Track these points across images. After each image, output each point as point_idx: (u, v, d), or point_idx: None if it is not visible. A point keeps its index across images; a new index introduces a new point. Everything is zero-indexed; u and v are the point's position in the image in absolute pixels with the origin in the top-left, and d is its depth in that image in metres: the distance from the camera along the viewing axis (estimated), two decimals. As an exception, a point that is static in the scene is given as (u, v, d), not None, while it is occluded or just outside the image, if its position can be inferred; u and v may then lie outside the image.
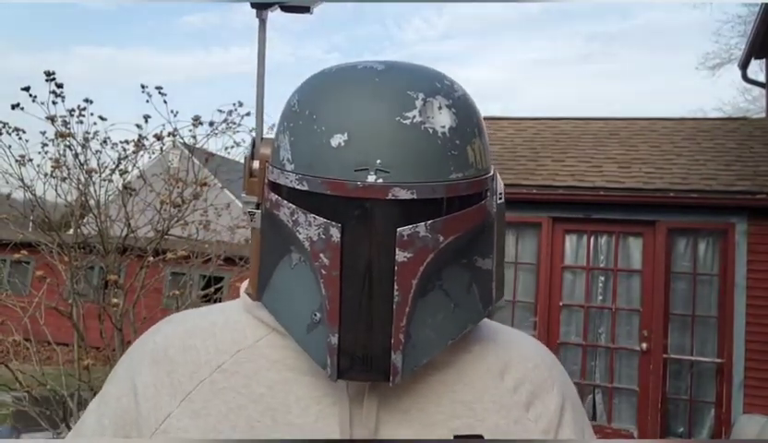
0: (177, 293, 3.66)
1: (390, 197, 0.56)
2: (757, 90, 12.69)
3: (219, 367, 0.67)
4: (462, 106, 0.62)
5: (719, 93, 38.20)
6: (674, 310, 5.52)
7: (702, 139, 6.45)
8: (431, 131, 0.58)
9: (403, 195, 0.56)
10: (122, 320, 3.53)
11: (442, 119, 0.59)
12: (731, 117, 8.83)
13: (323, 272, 0.58)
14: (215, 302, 4.52)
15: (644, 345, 5.47)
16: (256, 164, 0.68)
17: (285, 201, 0.61)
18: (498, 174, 0.67)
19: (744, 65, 8.05)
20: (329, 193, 0.57)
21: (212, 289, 4.34)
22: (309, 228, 0.58)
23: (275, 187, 0.63)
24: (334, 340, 0.58)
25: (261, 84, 0.72)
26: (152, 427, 0.66)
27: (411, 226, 0.57)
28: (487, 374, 0.69)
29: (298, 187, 0.59)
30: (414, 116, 0.57)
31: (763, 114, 9.17)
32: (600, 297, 5.79)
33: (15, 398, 3.32)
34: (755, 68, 8.57)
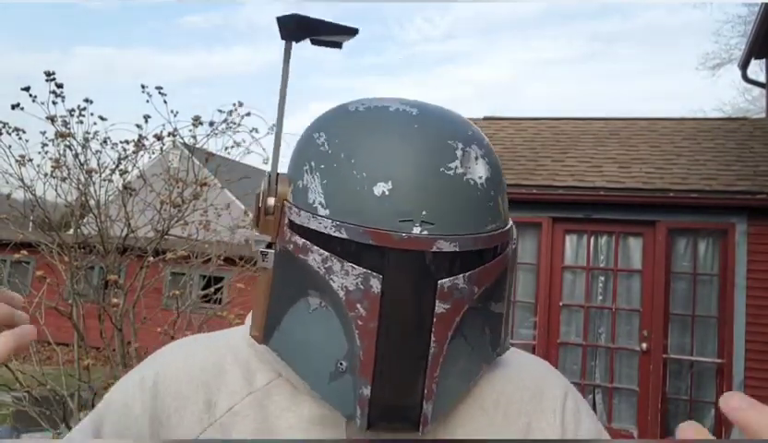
0: (177, 293, 3.66)
1: (434, 249, 0.55)
2: (757, 90, 12.69)
3: (230, 410, 0.66)
4: (492, 156, 0.62)
5: (719, 93, 38.24)
6: (674, 310, 5.52)
7: (702, 139, 6.45)
8: (472, 182, 0.58)
9: (447, 247, 0.55)
10: (122, 320, 3.53)
11: (479, 170, 0.59)
12: (731, 117, 8.83)
13: (359, 323, 0.56)
14: (215, 302, 4.52)
15: (644, 345, 5.47)
16: (271, 201, 0.63)
17: (316, 247, 0.58)
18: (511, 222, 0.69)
19: (744, 65, 8.05)
20: (372, 243, 0.55)
21: (212, 289, 4.34)
22: (346, 277, 0.56)
23: (303, 231, 0.59)
24: (367, 391, 0.56)
25: (281, 118, 0.69)
26: None
27: (451, 278, 0.56)
28: (482, 412, 0.69)
29: (335, 234, 0.56)
30: (456, 167, 0.57)
31: (763, 114, 9.17)
32: (600, 297, 5.79)
33: (15, 398, 3.31)
34: (755, 68, 8.57)
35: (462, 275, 0.57)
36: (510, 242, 0.64)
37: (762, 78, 8.47)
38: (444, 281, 0.56)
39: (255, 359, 0.69)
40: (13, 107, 3.53)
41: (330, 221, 0.57)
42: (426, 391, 0.57)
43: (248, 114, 4.11)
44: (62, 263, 3.64)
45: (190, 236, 4.24)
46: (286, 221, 0.61)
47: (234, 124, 4.11)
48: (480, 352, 0.63)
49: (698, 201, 5.39)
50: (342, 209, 0.56)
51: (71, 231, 4.09)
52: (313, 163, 0.59)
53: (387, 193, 0.55)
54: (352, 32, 0.69)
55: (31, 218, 4.03)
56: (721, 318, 5.37)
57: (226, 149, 4.26)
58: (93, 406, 3.45)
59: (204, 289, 4.47)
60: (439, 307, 0.56)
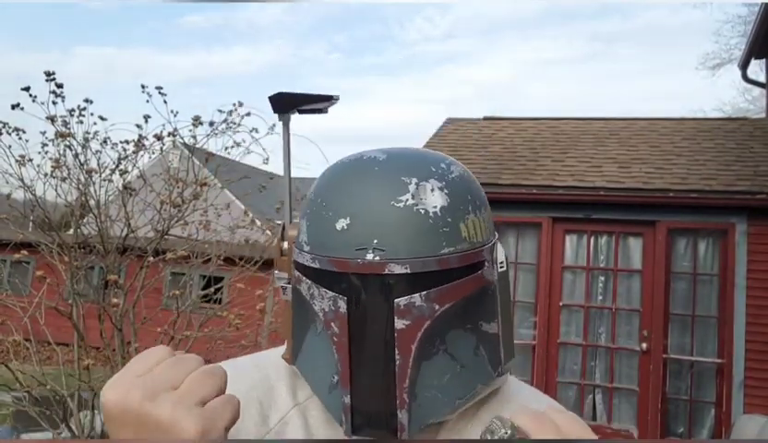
0: (177, 293, 3.66)
1: (386, 271, 0.63)
2: (757, 90, 12.70)
3: (281, 420, 0.75)
4: (455, 186, 0.68)
5: (719, 93, 38.23)
6: (674, 310, 5.52)
7: (702, 139, 6.45)
8: (422, 212, 0.64)
9: (398, 269, 0.63)
10: (122, 320, 3.53)
11: (434, 200, 0.65)
12: (731, 117, 8.83)
13: (335, 339, 0.66)
14: (215, 302, 4.53)
15: (644, 345, 5.47)
16: (285, 245, 0.77)
17: (304, 277, 0.69)
18: (499, 245, 0.73)
19: (744, 65, 8.05)
20: (335, 270, 0.65)
21: (212, 289, 4.34)
22: (322, 301, 0.67)
23: (297, 266, 0.71)
24: (347, 399, 0.66)
25: (288, 177, 0.82)
26: None
27: (407, 297, 0.63)
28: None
29: (312, 265, 0.67)
30: (407, 199, 0.65)
31: (763, 114, 9.17)
32: (600, 297, 5.79)
33: (15, 398, 3.32)
34: (755, 68, 8.57)
35: (418, 294, 0.64)
36: (485, 263, 0.69)
37: (762, 78, 8.47)
38: (400, 299, 0.63)
39: (296, 377, 0.78)
40: (13, 107, 3.53)
41: (309, 254, 0.68)
42: (398, 401, 0.64)
43: (248, 114, 4.11)
44: (62, 263, 3.64)
45: (190, 236, 4.24)
46: (293, 260, 0.73)
47: (234, 124, 4.10)
48: (474, 370, 0.68)
49: (698, 201, 5.39)
50: (317, 243, 0.67)
51: (71, 231, 4.09)
52: (304, 210, 0.72)
53: (346, 227, 0.65)
54: (330, 99, 0.82)
55: (31, 218, 4.03)
56: (721, 318, 5.37)
57: (226, 149, 4.26)
58: (93, 406, 3.46)
59: (204, 289, 4.47)
60: (399, 323, 0.63)
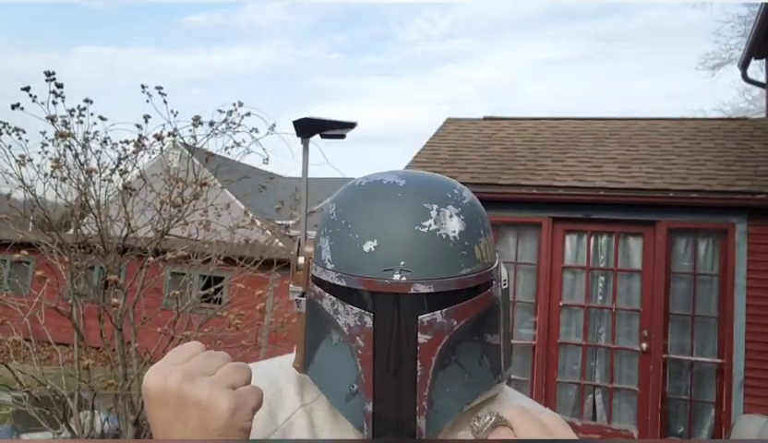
0: (177, 293, 3.66)
1: (412, 291, 0.68)
2: (757, 90, 12.70)
3: (287, 420, 0.80)
4: (469, 212, 0.74)
5: (719, 93, 38.24)
6: (674, 310, 5.52)
7: (702, 139, 6.45)
8: (444, 236, 0.70)
9: (423, 289, 0.68)
10: (122, 320, 3.53)
11: (453, 225, 0.71)
12: (731, 117, 8.83)
13: (359, 353, 0.70)
14: (215, 302, 4.54)
15: (644, 345, 5.47)
16: (301, 260, 0.80)
17: (327, 293, 0.73)
18: (501, 264, 0.79)
19: (744, 65, 8.05)
20: (363, 289, 0.70)
21: (212, 289, 4.34)
22: (347, 316, 0.71)
23: (318, 282, 0.75)
24: (369, 407, 0.70)
25: (305, 196, 0.86)
26: None
27: (430, 314, 0.69)
28: None
29: (338, 283, 0.71)
30: (430, 225, 0.70)
31: (763, 114, 9.17)
32: (600, 297, 5.79)
33: (15, 398, 3.32)
34: (755, 68, 8.57)
35: (439, 311, 0.69)
36: (493, 282, 0.75)
37: (762, 78, 8.47)
38: (424, 316, 0.69)
39: (302, 381, 0.83)
40: (13, 107, 3.53)
41: (334, 273, 0.72)
42: (418, 408, 0.69)
43: (248, 114, 4.11)
44: (62, 263, 3.64)
45: (190, 236, 4.24)
46: (311, 274, 0.77)
47: (234, 124, 4.10)
48: (479, 378, 0.74)
49: (698, 201, 5.39)
50: (342, 263, 0.72)
51: (71, 231, 4.09)
52: (325, 229, 0.76)
53: (373, 249, 0.70)
54: (352, 126, 0.87)
55: (31, 218, 4.03)
56: (721, 318, 5.37)
57: (226, 149, 4.26)
58: (93, 406, 3.46)
59: (204, 289, 4.47)
60: (422, 338, 0.69)
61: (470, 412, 0.76)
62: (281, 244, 6.44)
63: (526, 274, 5.89)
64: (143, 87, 3.81)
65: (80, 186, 3.79)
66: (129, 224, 3.82)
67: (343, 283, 0.71)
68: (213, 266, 4.16)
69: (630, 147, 6.41)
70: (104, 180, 3.86)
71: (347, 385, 0.72)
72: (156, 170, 4.24)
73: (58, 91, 3.57)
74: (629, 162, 6.05)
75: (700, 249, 5.56)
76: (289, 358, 0.86)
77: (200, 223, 4.32)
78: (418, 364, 0.69)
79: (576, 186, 5.71)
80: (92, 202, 3.80)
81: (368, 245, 0.70)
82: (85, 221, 4.03)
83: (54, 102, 3.57)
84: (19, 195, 3.92)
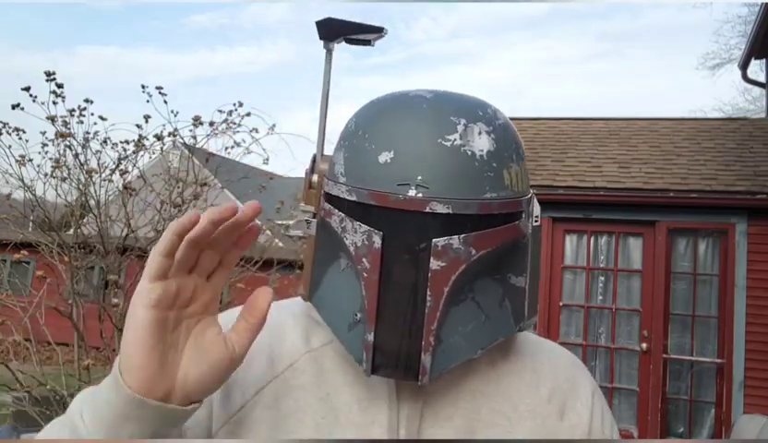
0: (177, 293, 3.65)
1: (427, 210, 0.61)
2: (757, 90, 12.70)
3: (290, 366, 0.72)
4: (501, 133, 0.67)
5: (719, 93, 38.24)
6: (674, 310, 5.52)
7: (702, 139, 6.45)
8: (469, 153, 0.63)
9: (440, 209, 0.61)
10: (122, 320, 3.53)
11: (481, 143, 0.64)
12: (731, 117, 8.83)
13: (365, 275, 0.63)
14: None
15: (644, 345, 5.47)
16: (315, 178, 0.74)
17: (336, 209, 0.66)
18: (535, 199, 0.72)
19: (744, 65, 8.05)
20: (373, 203, 0.63)
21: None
22: (355, 234, 0.64)
23: (329, 198, 0.68)
24: (370, 337, 0.63)
25: (325, 107, 0.79)
26: (223, 419, 0.70)
27: (445, 238, 0.62)
28: (521, 383, 0.74)
29: (348, 197, 0.65)
30: (455, 139, 0.63)
31: (763, 114, 9.17)
32: (600, 297, 5.79)
33: (15, 398, 3.31)
34: (755, 68, 8.57)
35: (457, 236, 0.62)
36: (522, 214, 0.68)
37: (761, 78, 8.47)
38: (438, 240, 0.61)
39: (313, 324, 0.76)
40: (13, 107, 3.53)
41: (345, 186, 0.65)
42: (423, 343, 0.62)
43: (248, 115, 4.11)
44: (62, 263, 3.64)
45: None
46: (323, 192, 0.70)
47: (234, 124, 4.11)
48: (497, 322, 0.67)
49: (698, 201, 5.39)
50: (355, 176, 0.65)
51: (71, 231, 4.09)
52: (342, 141, 0.69)
53: (389, 161, 0.63)
54: (379, 31, 0.78)
55: (31, 218, 4.03)
56: (721, 318, 5.37)
57: (226, 149, 4.26)
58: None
59: (204, 289, 4.46)
60: (434, 264, 0.61)
61: (485, 357, 0.71)
62: (281, 244, 6.44)
63: (526, 274, 5.88)
64: (143, 87, 3.82)
65: (80, 186, 3.79)
66: (129, 224, 3.82)
67: (353, 198, 0.64)
68: (213, 266, 4.15)
69: (630, 147, 6.41)
70: (104, 180, 3.85)
71: (351, 313, 0.65)
72: (156, 170, 4.24)
73: (59, 91, 3.57)
74: (629, 162, 6.05)
75: (700, 249, 5.56)
76: (295, 301, 0.80)
77: (200, 223, 4.31)
78: (428, 293, 0.62)
79: (576, 186, 5.71)
80: (92, 202, 3.80)
81: (384, 156, 0.63)
82: (85, 221, 4.03)
83: (54, 102, 3.57)
84: (19, 195, 3.92)
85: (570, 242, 5.87)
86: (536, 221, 0.71)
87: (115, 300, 3.53)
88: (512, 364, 0.75)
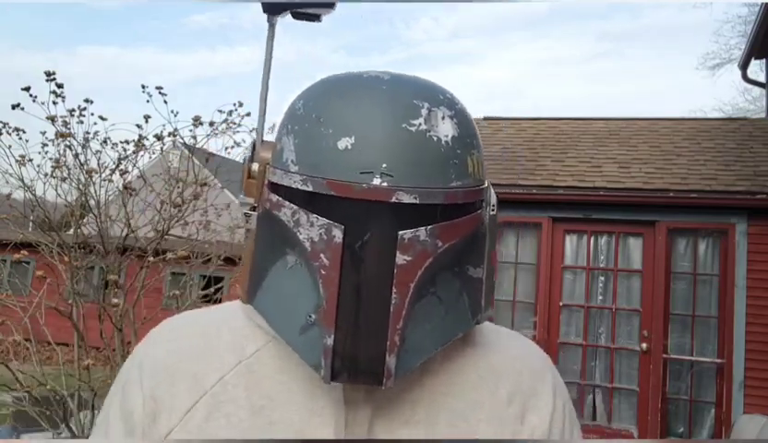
0: (177, 293, 3.66)
1: (393, 200, 0.56)
2: (757, 90, 12.69)
3: (220, 380, 0.66)
4: (462, 118, 0.63)
5: (719, 93, 38.24)
6: (674, 310, 5.52)
7: (702, 139, 6.45)
8: (435, 139, 0.59)
9: (406, 199, 0.57)
10: (122, 320, 3.53)
11: (445, 128, 0.60)
12: (731, 117, 8.83)
13: (322, 272, 0.57)
14: (215, 302, 4.53)
15: (644, 345, 5.47)
16: (255, 166, 0.68)
17: (287, 202, 0.60)
18: (491, 187, 0.68)
19: (744, 65, 8.05)
20: (333, 194, 0.57)
21: (212, 289, 4.34)
22: (311, 229, 0.58)
23: (276, 188, 0.62)
24: (330, 341, 0.57)
25: (266, 87, 0.74)
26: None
27: (412, 230, 0.57)
28: (480, 381, 0.69)
29: (302, 188, 0.59)
30: (420, 124, 0.59)
31: (763, 114, 9.17)
32: (600, 297, 5.79)
33: (15, 398, 3.31)
34: (755, 68, 8.57)
35: (423, 228, 0.58)
36: (483, 203, 0.65)
37: (761, 78, 8.47)
38: (405, 232, 0.57)
39: (249, 326, 0.69)
40: (13, 107, 3.53)
41: (298, 175, 0.59)
42: (388, 343, 0.58)
43: (248, 114, 4.11)
44: (62, 263, 3.64)
45: (190, 236, 4.24)
46: (267, 181, 0.64)
47: (234, 124, 4.11)
48: (456, 315, 0.63)
49: (698, 201, 5.39)
50: (310, 164, 0.59)
51: (71, 231, 4.09)
52: (289, 126, 0.63)
53: (349, 147, 0.57)
54: (329, 5, 0.73)
55: (31, 218, 4.03)
56: (721, 318, 5.37)
57: (226, 149, 4.27)
58: (93, 406, 3.46)
59: (204, 289, 4.47)
60: (400, 258, 0.57)
61: (440, 354, 0.66)
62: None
63: (526, 274, 5.89)
64: (143, 87, 3.82)
65: (80, 186, 3.79)
66: (129, 224, 3.82)
67: (309, 188, 0.58)
68: (213, 266, 4.16)
69: (630, 147, 6.41)
70: (104, 180, 3.85)
71: (303, 315, 0.59)
72: (156, 170, 4.24)
73: (59, 91, 3.57)
74: (629, 162, 6.05)
75: (700, 249, 5.56)
76: (231, 304, 0.74)
77: (200, 223, 4.32)
78: (394, 290, 0.57)
79: (576, 187, 5.71)
80: (92, 202, 3.80)
81: (344, 142, 0.57)
82: (85, 221, 4.03)
83: (54, 102, 3.57)
84: (19, 195, 3.92)
85: (569, 242, 5.87)
86: (493, 211, 0.68)
87: (115, 300, 3.52)
88: (468, 355, 0.70)
